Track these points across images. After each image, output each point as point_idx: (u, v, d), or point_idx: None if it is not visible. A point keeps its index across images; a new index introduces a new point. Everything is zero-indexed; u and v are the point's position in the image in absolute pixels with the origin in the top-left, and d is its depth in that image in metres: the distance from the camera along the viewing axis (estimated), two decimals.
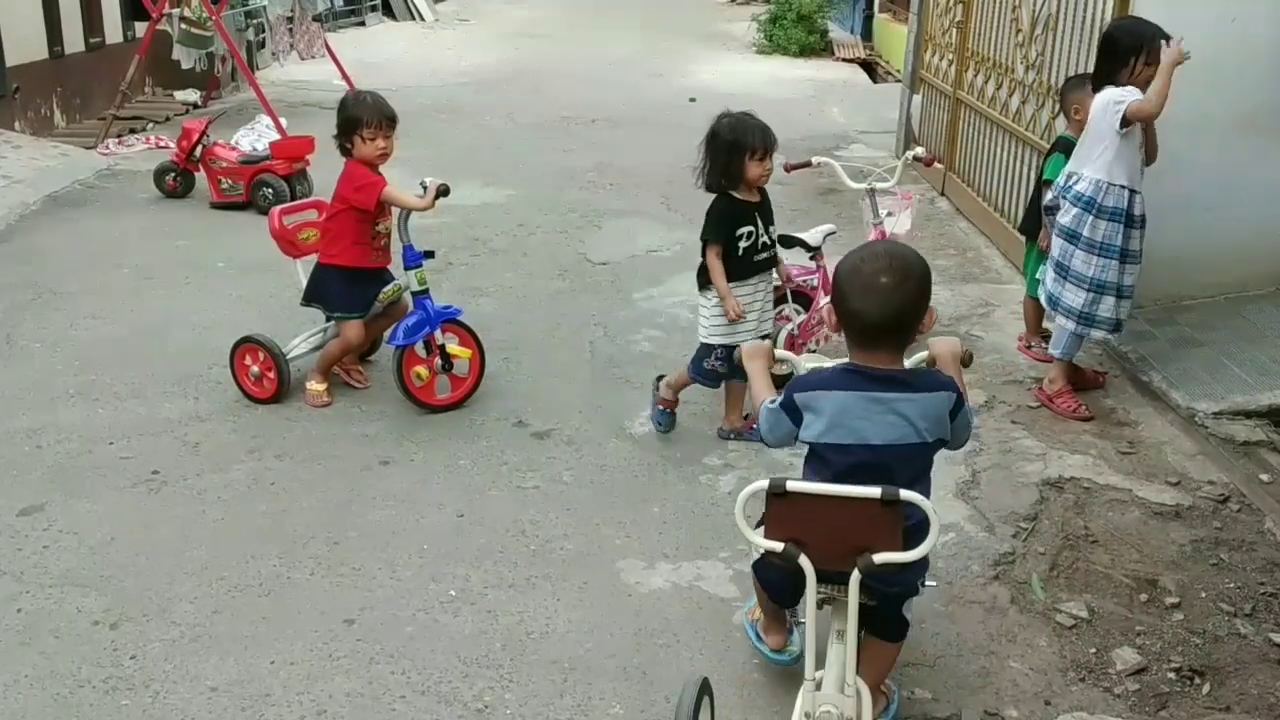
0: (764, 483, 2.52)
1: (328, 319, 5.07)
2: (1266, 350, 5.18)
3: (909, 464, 2.65)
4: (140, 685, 3.12)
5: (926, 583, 2.87)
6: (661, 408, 4.62)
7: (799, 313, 5.02)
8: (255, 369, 4.87)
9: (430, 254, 4.85)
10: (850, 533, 2.51)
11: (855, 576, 2.52)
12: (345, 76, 11.80)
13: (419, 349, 4.79)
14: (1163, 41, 4.48)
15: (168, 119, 10.91)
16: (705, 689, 2.75)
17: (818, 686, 2.63)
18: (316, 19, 12.11)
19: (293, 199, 7.74)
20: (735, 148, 4.29)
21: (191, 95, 11.68)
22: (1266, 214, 5.58)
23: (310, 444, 4.54)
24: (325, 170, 8.35)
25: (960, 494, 4.20)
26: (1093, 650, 3.33)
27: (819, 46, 16.56)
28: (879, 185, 5.40)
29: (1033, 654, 3.32)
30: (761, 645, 3.22)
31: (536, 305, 6.14)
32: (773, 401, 2.76)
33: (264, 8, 10.89)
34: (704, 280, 4.43)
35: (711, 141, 4.33)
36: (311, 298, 4.96)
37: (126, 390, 4.99)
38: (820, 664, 2.68)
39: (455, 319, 4.86)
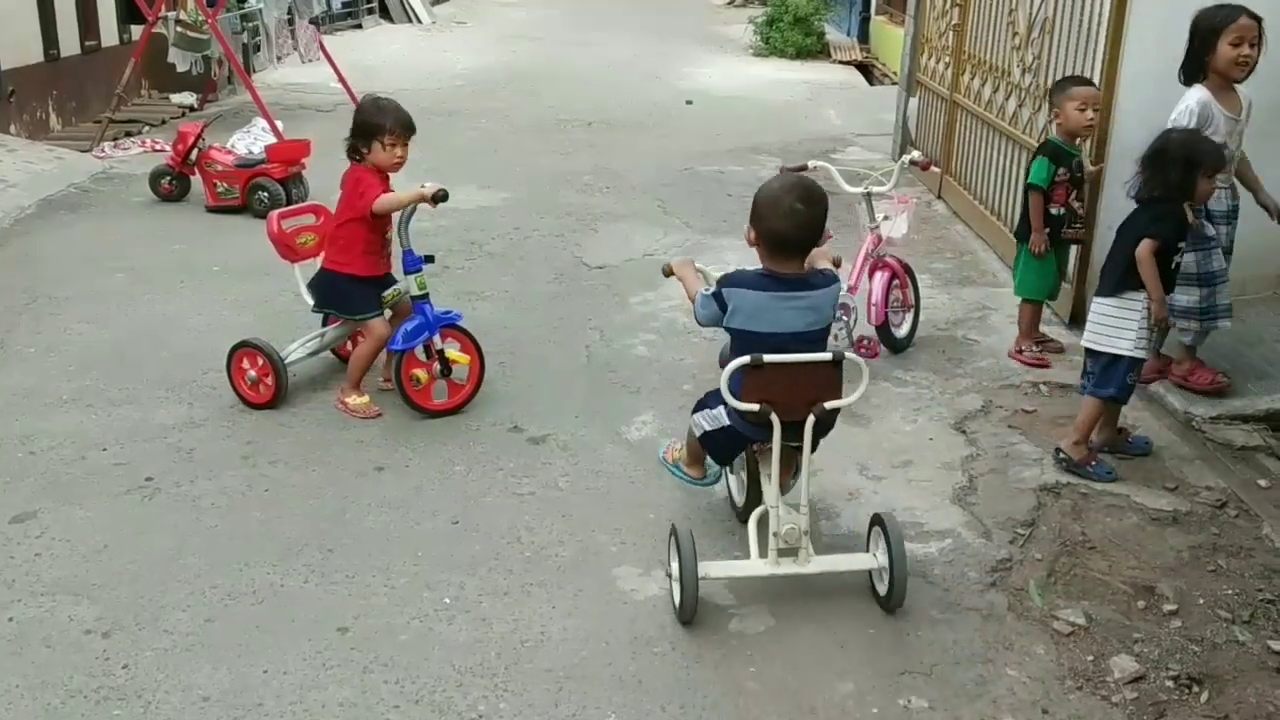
0: (747, 358, 3.27)
1: (324, 323, 5.05)
2: (1264, 355, 5.17)
3: (818, 342, 3.42)
4: (132, 695, 3.10)
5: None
6: (1095, 464, 4.36)
7: None
8: (252, 374, 4.84)
9: (430, 259, 4.84)
10: (808, 389, 3.35)
11: (811, 420, 3.36)
12: (341, 79, 11.77)
13: (418, 353, 4.77)
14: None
15: (163, 122, 10.89)
16: (672, 531, 3.48)
17: (779, 511, 3.44)
18: (313, 22, 12.10)
19: (289, 203, 7.73)
20: (1190, 165, 4.19)
21: (187, 98, 11.64)
22: (1265, 218, 5.56)
23: (304, 450, 4.52)
24: (321, 174, 8.38)
25: (957, 500, 4.18)
26: (1090, 658, 3.32)
27: (816, 49, 16.55)
28: (875, 189, 5.40)
29: (1030, 662, 3.30)
30: (684, 476, 3.97)
31: (532, 309, 6.12)
32: (707, 290, 3.50)
33: (259, 11, 10.88)
34: (1120, 284, 4.27)
35: (1160, 157, 4.24)
36: (326, 304, 4.94)
37: (121, 395, 4.97)
38: (756, 502, 3.61)
39: (455, 324, 4.84)
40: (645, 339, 5.72)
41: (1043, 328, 5.57)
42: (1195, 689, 3.19)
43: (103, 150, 9.59)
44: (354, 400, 4.84)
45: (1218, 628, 3.47)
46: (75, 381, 5.10)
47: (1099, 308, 4.36)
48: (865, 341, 5.39)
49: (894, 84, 13.25)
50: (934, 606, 3.55)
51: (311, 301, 4.97)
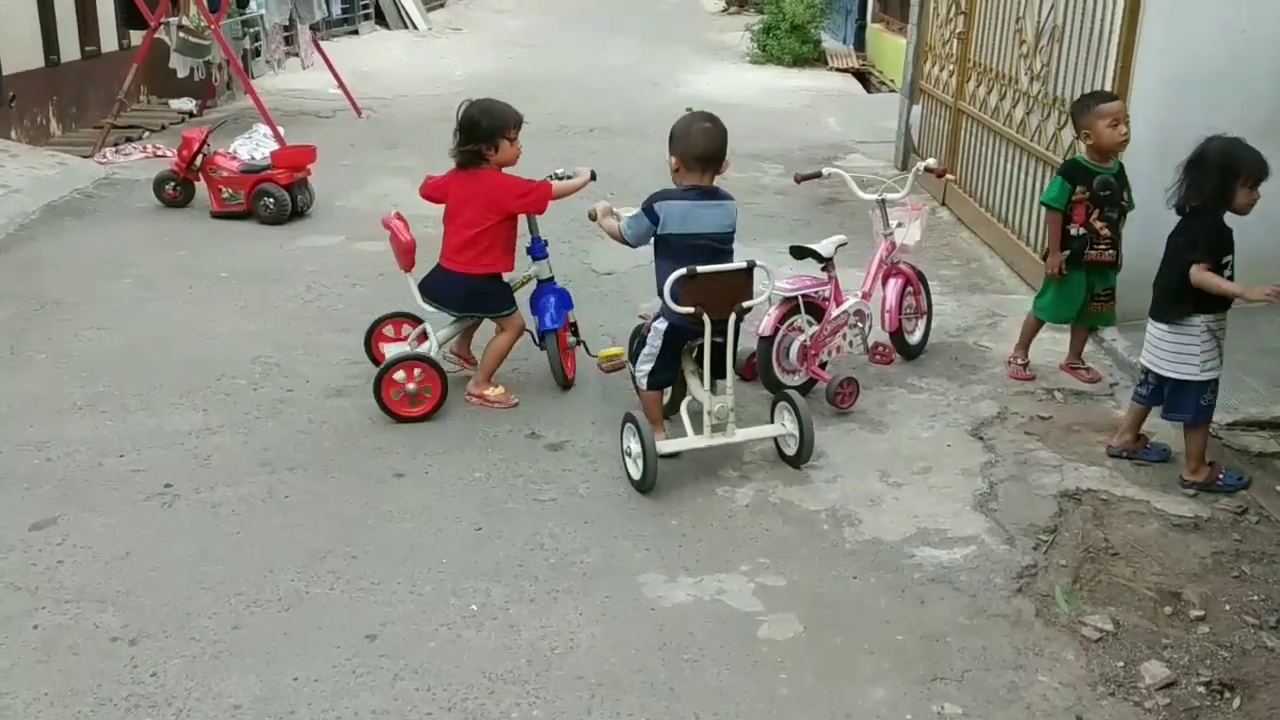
0: (683, 270, 4.02)
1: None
2: (1277, 362, 5.19)
3: (725, 244, 4.31)
4: (163, 703, 3.08)
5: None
6: (1221, 477, 4.34)
7: (811, 324, 4.99)
8: (412, 386, 4.74)
9: (546, 243, 5.24)
10: (730, 293, 4.14)
11: (733, 318, 4.16)
12: (341, 85, 11.79)
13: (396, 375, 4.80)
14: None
15: (163, 127, 10.86)
16: (628, 418, 4.27)
17: (711, 393, 4.27)
18: (312, 28, 12.09)
19: (294, 209, 7.73)
20: (1228, 173, 4.14)
21: (187, 104, 11.62)
22: (1274, 225, 5.58)
23: (322, 457, 4.50)
24: (326, 180, 8.39)
25: (979, 506, 4.18)
26: (1121, 664, 3.32)
27: (812, 56, 16.61)
28: (889, 196, 5.40)
29: (1061, 668, 3.30)
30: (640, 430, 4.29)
31: None
32: (632, 211, 4.36)
33: (261, 17, 10.86)
34: (1173, 310, 4.24)
35: (1198, 164, 4.18)
36: (468, 308, 5.05)
37: (134, 402, 4.94)
38: (681, 397, 4.50)
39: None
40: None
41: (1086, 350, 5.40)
42: (1227, 695, 3.20)
43: (105, 156, 9.56)
44: (492, 392, 4.95)
45: (1246, 634, 3.47)
46: (88, 387, 5.07)
47: (1155, 331, 4.30)
48: (880, 348, 5.40)
49: (891, 91, 13.32)
50: (962, 613, 3.54)
51: (430, 307, 5.00)
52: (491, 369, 4.99)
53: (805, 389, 4.92)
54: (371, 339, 5.17)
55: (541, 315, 5.08)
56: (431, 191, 5.05)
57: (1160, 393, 4.38)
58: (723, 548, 3.90)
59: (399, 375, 4.74)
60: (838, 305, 5.08)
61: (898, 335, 5.40)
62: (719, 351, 4.24)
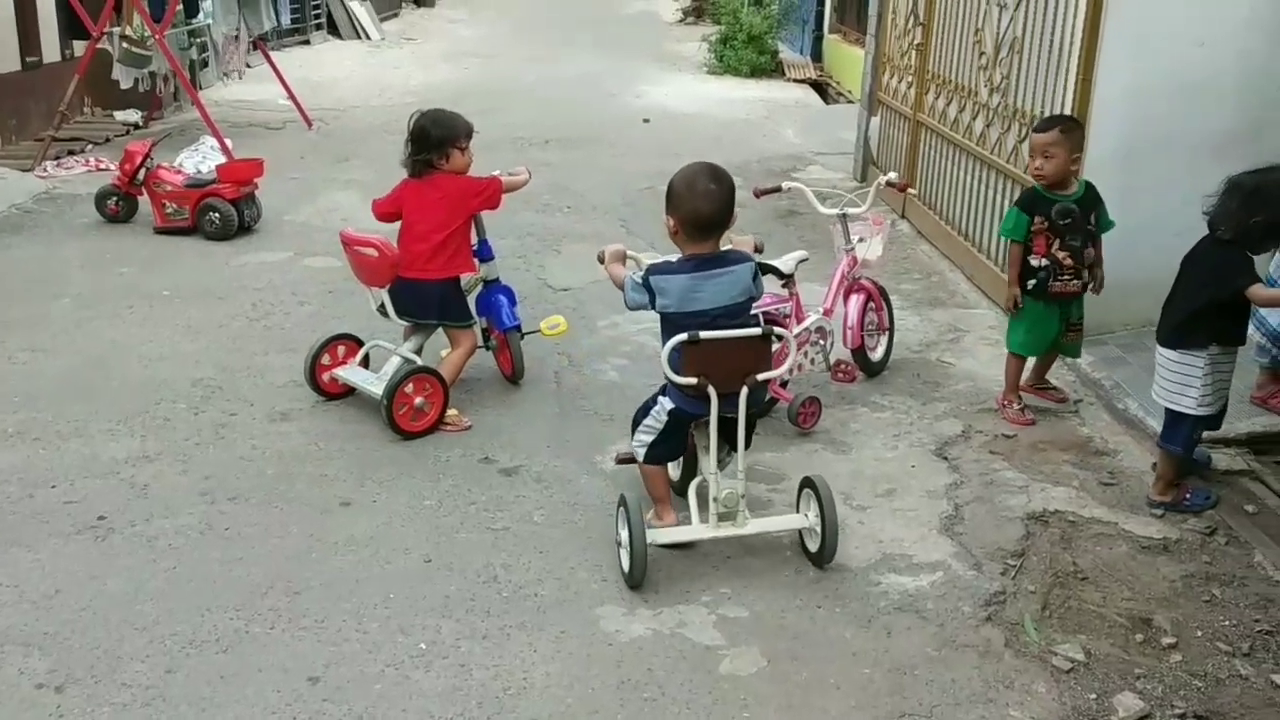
0: (684, 335, 3.48)
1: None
2: (1241, 377, 5.12)
3: (741, 314, 3.66)
4: None
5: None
6: (1189, 497, 4.23)
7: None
8: (420, 400, 4.67)
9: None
10: (741, 362, 3.57)
11: (745, 391, 3.57)
12: (291, 96, 11.56)
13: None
14: None
15: (107, 140, 10.57)
16: (621, 501, 3.67)
17: (718, 478, 3.69)
18: (261, 38, 11.85)
19: (240, 224, 7.53)
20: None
21: (132, 115, 11.33)
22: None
23: (264, 485, 4.31)
24: (275, 193, 8.19)
25: (944, 530, 4.08)
26: (1093, 696, 3.22)
27: (770, 67, 16.53)
28: (851, 210, 5.30)
29: (1032, 701, 3.19)
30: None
31: None
32: (634, 275, 3.70)
33: (208, 26, 10.61)
34: (1181, 338, 4.09)
35: (1253, 197, 3.96)
36: (444, 315, 4.93)
37: (69, 428, 4.73)
38: (692, 475, 3.90)
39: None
40: (615, 364, 5.58)
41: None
42: None
43: (45, 169, 9.28)
44: (449, 413, 4.79)
45: (1219, 661, 3.38)
46: (20, 414, 4.85)
47: (1161, 357, 4.17)
48: (843, 365, 5.29)
49: (849, 102, 13.27)
50: (930, 644, 3.43)
51: (404, 321, 4.91)
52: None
53: (767, 409, 4.78)
54: (314, 368, 4.98)
55: (497, 313, 5.10)
56: (387, 208, 4.95)
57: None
58: (683, 577, 3.76)
59: (409, 389, 4.65)
60: (799, 322, 4.96)
61: (860, 352, 5.30)
62: (729, 427, 3.70)
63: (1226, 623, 3.58)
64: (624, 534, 3.67)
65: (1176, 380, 4.11)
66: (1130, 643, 3.47)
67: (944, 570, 3.82)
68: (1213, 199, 4.07)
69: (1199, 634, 3.52)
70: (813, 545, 3.79)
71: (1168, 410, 4.18)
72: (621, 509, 3.67)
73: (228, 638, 3.39)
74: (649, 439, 3.83)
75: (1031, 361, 5.08)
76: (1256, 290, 3.97)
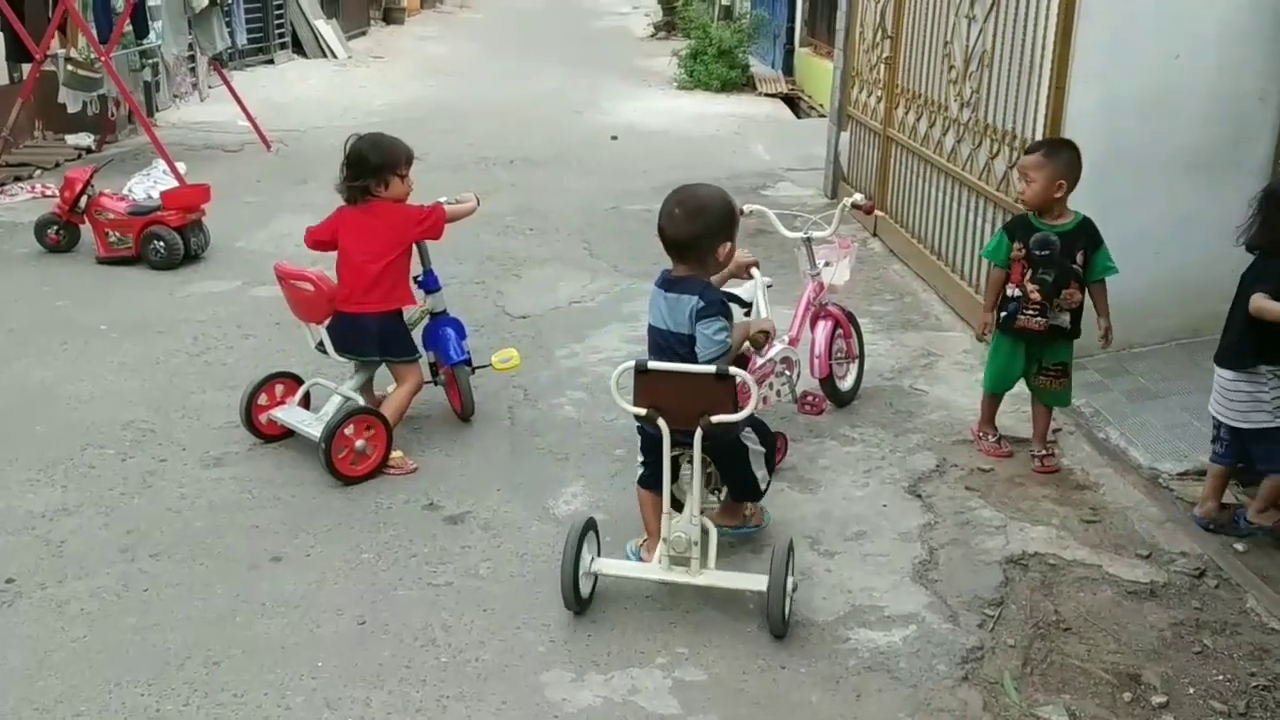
0: (632, 362, 3.38)
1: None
2: None
3: (680, 347, 3.50)
4: None
5: (745, 437, 3.73)
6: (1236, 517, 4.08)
7: None
8: (361, 443, 4.40)
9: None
10: (694, 402, 3.37)
11: (699, 432, 3.38)
12: (249, 117, 11.27)
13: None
14: None
15: (58, 165, 10.24)
16: (590, 525, 3.58)
17: (672, 518, 3.51)
18: (217, 58, 11.56)
19: (187, 252, 7.23)
20: None
21: (85, 139, 11.00)
22: (1216, 255, 5.30)
23: (190, 539, 4.02)
24: (227, 219, 7.89)
25: (918, 577, 3.81)
26: None
27: (740, 82, 16.34)
28: (816, 234, 5.06)
29: None
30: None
31: None
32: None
33: (159, 48, 10.31)
34: (1242, 356, 3.92)
35: (1271, 200, 3.85)
36: (383, 351, 4.66)
37: None
38: (678, 507, 3.59)
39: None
40: (573, 397, 5.31)
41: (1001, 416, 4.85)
42: None
43: None
44: (392, 455, 4.51)
45: None
46: None
47: (1222, 379, 3.99)
48: (810, 397, 5.03)
49: (821, 116, 13.06)
50: (903, 708, 3.17)
51: (343, 358, 4.68)
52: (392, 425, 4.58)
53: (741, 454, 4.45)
54: (250, 409, 4.70)
55: (445, 347, 4.84)
56: (321, 236, 4.69)
57: (1235, 448, 4.03)
58: (636, 636, 3.49)
59: (349, 430, 4.37)
60: (763, 353, 4.70)
61: (828, 382, 5.03)
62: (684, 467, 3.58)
63: (1220, 677, 3.33)
64: (586, 559, 3.57)
65: (1245, 399, 3.94)
66: (1118, 702, 3.22)
67: (917, 623, 3.56)
68: (1243, 227, 3.91)
69: (1191, 690, 3.27)
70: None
71: (1247, 431, 3.95)
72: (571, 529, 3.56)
73: (136, 717, 3.10)
74: (640, 458, 3.75)
75: (1033, 408, 4.73)
76: (1259, 300, 3.78)
